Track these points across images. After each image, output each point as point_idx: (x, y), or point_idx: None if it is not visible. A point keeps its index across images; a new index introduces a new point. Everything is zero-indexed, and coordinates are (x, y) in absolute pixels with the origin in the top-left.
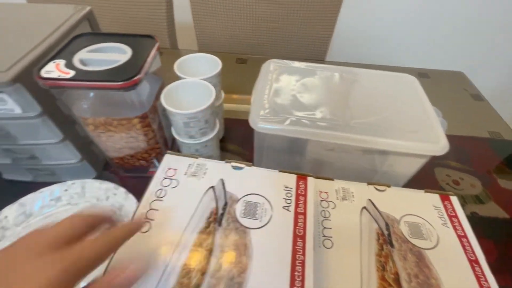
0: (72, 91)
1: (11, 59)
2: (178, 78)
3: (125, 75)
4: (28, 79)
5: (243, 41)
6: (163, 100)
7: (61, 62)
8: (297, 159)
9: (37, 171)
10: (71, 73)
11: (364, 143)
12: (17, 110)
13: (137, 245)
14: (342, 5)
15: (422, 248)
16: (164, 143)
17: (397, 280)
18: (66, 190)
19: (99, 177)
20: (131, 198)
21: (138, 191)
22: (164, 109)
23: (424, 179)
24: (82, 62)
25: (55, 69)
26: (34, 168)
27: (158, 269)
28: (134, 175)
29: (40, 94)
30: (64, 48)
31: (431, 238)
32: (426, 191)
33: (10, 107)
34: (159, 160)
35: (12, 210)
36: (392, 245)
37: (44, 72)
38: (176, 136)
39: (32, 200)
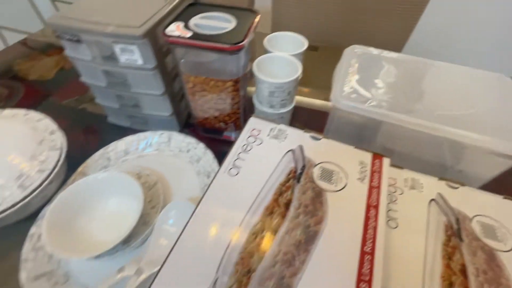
0: (182, 49)
1: (142, 18)
2: (259, 53)
3: (232, 40)
4: (152, 36)
5: (316, 29)
6: (255, 68)
7: (181, 24)
8: (365, 146)
9: (134, 119)
10: (189, 33)
11: (449, 134)
12: (139, 62)
13: (227, 187)
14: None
15: (495, 249)
16: (244, 110)
17: (463, 271)
18: (156, 138)
19: (181, 132)
20: (209, 154)
21: (212, 150)
22: (251, 78)
23: (500, 188)
24: (197, 26)
25: (176, 29)
26: (133, 116)
27: (245, 206)
28: (210, 136)
29: (156, 50)
30: (181, 13)
31: (506, 242)
32: (505, 197)
33: (135, 58)
34: (237, 125)
35: (116, 146)
36: (461, 239)
37: (169, 31)
38: (257, 105)
39: (131, 141)
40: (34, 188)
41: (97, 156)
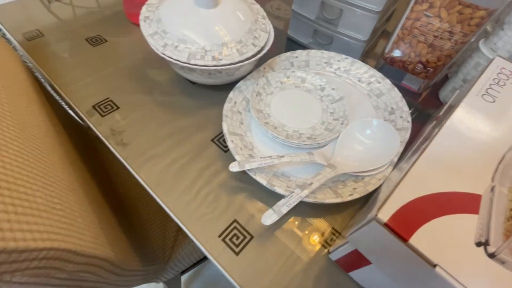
0: None
1: None
2: None
3: None
4: None
5: None
6: None
7: None
8: None
9: (319, 37)
10: None
11: None
12: None
13: (481, 110)
14: None
15: None
16: (448, 67)
17: None
18: (338, 60)
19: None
20: (396, 92)
21: None
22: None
23: None
24: None
25: None
26: (320, 33)
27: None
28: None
29: None
30: None
31: None
32: None
33: None
34: (430, 75)
35: (301, 55)
36: None
37: None
38: (486, 51)
39: (314, 55)
40: (248, 57)
41: (283, 57)
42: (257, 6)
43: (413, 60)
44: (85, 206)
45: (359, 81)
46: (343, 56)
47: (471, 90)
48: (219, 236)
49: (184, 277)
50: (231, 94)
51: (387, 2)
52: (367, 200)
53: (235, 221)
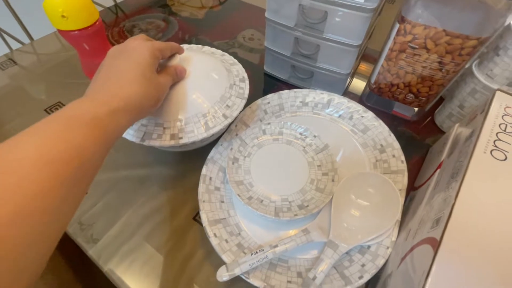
0: None
1: None
2: None
3: None
4: None
5: None
6: None
7: None
8: None
9: (295, 72)
10: None
11: None
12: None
13: (493, 172)
14: None
15: None
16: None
17: None
18: (314, 98)
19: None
20: (383, 126)
21: None
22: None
23: None
24: None
25: None
26: (297, 66)
27: None
28: (376, 107)
29: None
30: None
31: None
32: None
33: None
34: (422, 103)
35: (273, 99)
36: None
37: None
38: (482, 79)
39: (287, 97)
40: (215, 133)
41: (255, 107)
42: (238, 66)
43: (403, 90)
44: None
45: (340, 116)
46: (318, 91)
47: (477, 145)
48: None
49: None
50: (204, 170)
51: (366, 35)
52: (377, 275)
53: None
